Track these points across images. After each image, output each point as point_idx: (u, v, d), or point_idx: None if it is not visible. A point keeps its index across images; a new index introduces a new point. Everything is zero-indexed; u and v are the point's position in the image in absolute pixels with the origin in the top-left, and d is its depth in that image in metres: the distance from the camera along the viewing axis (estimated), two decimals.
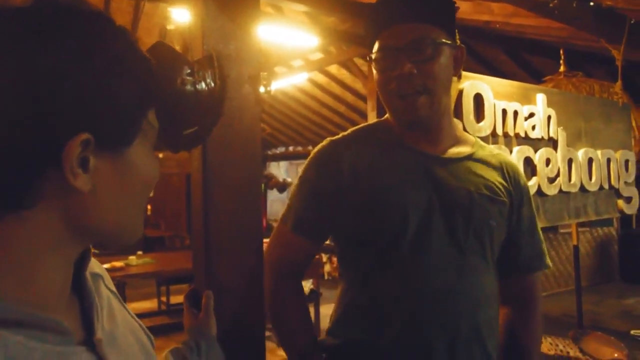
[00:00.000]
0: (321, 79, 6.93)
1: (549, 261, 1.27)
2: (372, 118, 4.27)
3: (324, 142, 1.23)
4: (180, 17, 3.80)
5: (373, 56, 1.15)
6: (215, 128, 1.20)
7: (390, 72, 1.11)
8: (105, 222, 0.58)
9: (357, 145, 1.17)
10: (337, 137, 1.23)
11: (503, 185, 1.19)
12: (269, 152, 10.02)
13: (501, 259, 1.19)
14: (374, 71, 1.16)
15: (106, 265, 4.59)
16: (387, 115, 1.24)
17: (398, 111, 1.14)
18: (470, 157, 1.19)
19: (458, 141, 1.21)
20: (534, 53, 4.61)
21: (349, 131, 1.24)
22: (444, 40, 1.10)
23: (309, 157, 1.23)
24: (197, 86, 1.07)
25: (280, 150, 9.95)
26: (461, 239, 1.11)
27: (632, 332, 2.24)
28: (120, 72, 0.55)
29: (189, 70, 1.06)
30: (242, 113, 1.28)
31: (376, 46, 1.14)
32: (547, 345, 2.65)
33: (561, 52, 3.40)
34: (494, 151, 1.26)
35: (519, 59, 5.10)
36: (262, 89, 5.71)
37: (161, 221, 8.81)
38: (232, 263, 1.26)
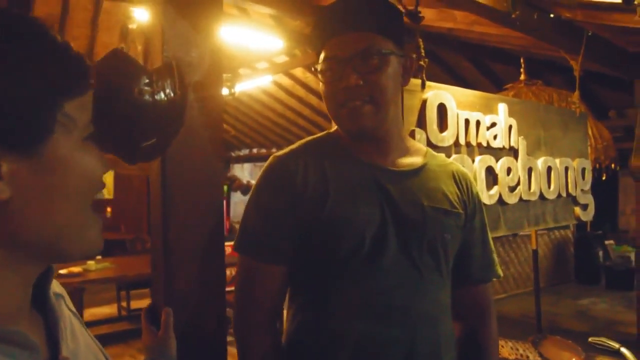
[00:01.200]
0: (286, 81, 6.90)
1: (500, 271, 1.27)
2: None
3: (271, 160, 1.17)
4: (143, 15, 3.71)
5: (319, 67, 1.13)
6: (175, 142, 1.16)
7: (337, 84, 1.09)
8: (41, 229, 0.54)
9: (307, 160, 1.13)
10: (283, 152, 1.17)
11: (457, 196, 1.19)
12: (233, 154, 9.92)
13: (453, 270, 1.18)
14: (320, 82, 1.14)
15: (63, 271, 4.43)
16: (335, 127, 1.22)
17: (344, 121, 1.12)
18: (422, 169, 1.18)
19: (409, 152, 1.20)
20: (496, 60, 4.70)
21: (296, 145, 1.20)
22: (390, 50, 1.09)
23: (259, 178, 1.17)
24: (156, 96, 1.03)
25: (244, 152, 9.86)
26: (415, 255, 1.09)
27: (590, 339, 2.30)
28: (8, 70, 0.51)
29: (147, 80, 1.02)
30: (204, 120, 1.24)
31: (322, 56, 1.12)
32: (508, 349, 2.69)
33: (522, 61, 3.49)
34: (446, 160, 1.26)
35: (482, 66, 5.20)
36: (225, 91, 5.63)
37: (121, 224, 8.59)
38: (193, 267, 1.23)
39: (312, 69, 1.19)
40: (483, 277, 1.24)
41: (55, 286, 0.69)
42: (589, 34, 2.55)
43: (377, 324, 1.05)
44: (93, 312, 5.86)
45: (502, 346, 2.79)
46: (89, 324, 0.73)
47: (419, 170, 1.17)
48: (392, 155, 1.17)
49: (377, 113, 1.10)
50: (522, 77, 3.44)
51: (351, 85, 1.06)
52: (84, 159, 0.57)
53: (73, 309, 0.72)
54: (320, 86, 1.15)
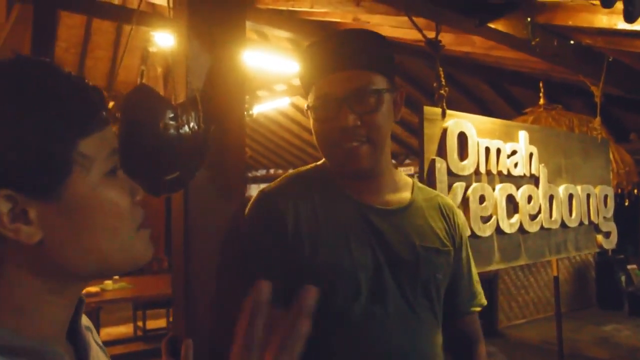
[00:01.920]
0: (303, 103, 6.95)
1: (484, 300, 1.27)
2: None
3: (260, 197, 1.15)
4: (162, 40, 3.78)
5: (311, 104, 1.11)
6: (198, 172, 1.17)
7: (332, 123, 1.06)
8: (82, 260, 0.57)
9: (297, 200, 1.10)
10: (271, 188, 1.15)
11: (445, 231, 1.18)
12: (250, 175, 9.97)
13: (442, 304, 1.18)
14: (310, 119, 1.12)
15: None
16: (321, 161, 1.20)
17: (339, 161, 1.10)
18: (410, 205, 1.16)
19: (397, 187, 1.18)
20: (514, 83, 4.69)
21: (282, 180, 1.18)
22: (384, 87, 1.08)
23: (248, 215, 1.15)
24: (180, 130, 1.04)
25: (262, 172, 9.91)
26: (410, 297, 1.08)
27: None
28: (19, 118, 0.53)
29: (172, 115, 1.03)
30: (227, 148, 1.25)
31: (314, 94, 1.10)
32: None
33: (540, 85, 3.46)
34: (432, 193, 1.25)
35: (500, 89, 5.19)
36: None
37: None
38: (213, 295, 1.22)
39: (305, 107, 1.15)
40: (470, 307, 1.25)
41: (85, 320, 0.71)
42: (610, 59, 2.53)
43: None
44: (109, 332, 5.88)
45: None
46: (105, 344, 0.77)
47: (407, 207, 1.16)
48: (382, 192, 1.15)
49: (374, 153, 1.08)
50: (542, 101, 3.42)
51: (349, 126, 1.04)
52: (106, 194, 0.58)
53: (100, 342, 0.74)
54: (312, 124, 1.13)
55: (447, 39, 3.51)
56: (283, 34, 3.81)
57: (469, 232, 1.76)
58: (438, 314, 1.14)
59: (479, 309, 1.26)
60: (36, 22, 3.12)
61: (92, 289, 4.71)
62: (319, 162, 1.22)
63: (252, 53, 4.45)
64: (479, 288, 1.27)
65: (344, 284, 1.05)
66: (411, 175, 1.38)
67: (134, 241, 0.62)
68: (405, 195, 1.18)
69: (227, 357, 1.23)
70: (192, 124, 1.06)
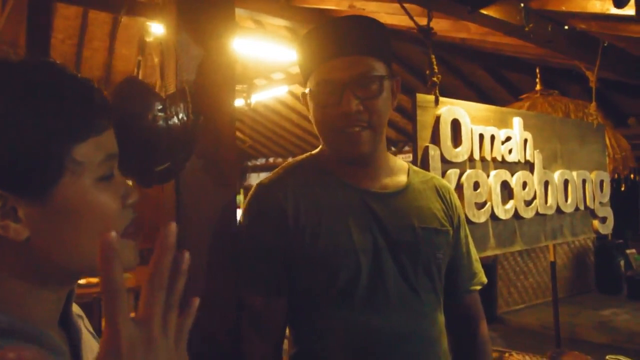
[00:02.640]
0: (301, 91, 6.94)
1: (484, 278, 1.29)
2: None
3: (258, 190, 1.16)
4: (159, 29, 3.77)
5: (312, 89, 1.10)
6: (191, 160, 1.18)
7: (334, 108, 1.06)
8: (65, 260, 0.58)
9: (296, 190, 1.11)
10: (269, 180, 1.16)
11: (444, 212, 1.20)
12: (250, 164, 9.98)
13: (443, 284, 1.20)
14: (311, 104, 1.12)
15: (82, 281, 4.49)
16: (317, 150, 1.21)
17: (342, 147, 1.10)
18: (407, 188, 1.18)
19: (393, 171, 1.20)
20: (511, 69, 4.67)
21: (279, 171, 1.19)
22: (385, 74, 1.09)
23: (247, 207, 1.16)
24: (170, 122, 1.05)
25: (261, 161, 9.91)
26: (412, 278, 1.10)
27: (607, 357, 2.26)
28: (13, 121, 0.53)
29: (160, 106, 1.04)
30: (217, 138, 1.26)
31: (315, 79, 1.10)
32: None
33: (537, 71, 3.45)
34: (427, 175, 1.27)
35: (497, 75, 5.17)
36: (241, 102, 5.67)
37: (140, 234, 8.67)
38: (205, 282, 1.23)
39: (304, 93, 1.15)
40: (471, 286, 1.26)
41: (75, 309, 0.73)
42: (605, 44, 2.52)
43: (382, 351, 1.06)
44: None
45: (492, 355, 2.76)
46: None
47: (405, 190, 1.17)
48: (380, 176, 1.16)
49: (375, 138, 1.09)
50: (538, 87, 3.41)
51: (352, 111, 1.04)
52: (96, 199, 0.59)
53: (91, 329, 0.76)
54: (311, 110, 1.13)
55: (443, 25, 3.51)
56: (279, 21, 3.79)
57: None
58: (439, 294, 1.16)
59: (479, 287, 1.27)
60: (30, 13, 3.10)
61: (94, 279, 4.74)
62: (314, 151, 1.23)
63: (249, 41, 4.43)
64: (478, 267, 1.29)
65: (345, 268, 1.07)
66: (414, 163, 1.38)
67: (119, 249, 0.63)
68: (402, 178, 1.20)
69: (220, 341, 1.25)
70: (181, 115, 1.06)
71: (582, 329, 5.60)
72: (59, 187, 0.56)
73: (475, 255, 1.29)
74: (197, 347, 1.18)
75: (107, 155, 0.60)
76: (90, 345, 0.71)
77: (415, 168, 1.26)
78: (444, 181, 1.29)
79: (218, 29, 1.28)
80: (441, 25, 3.42)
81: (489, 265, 6.12)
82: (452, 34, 3.89)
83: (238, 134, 9.03)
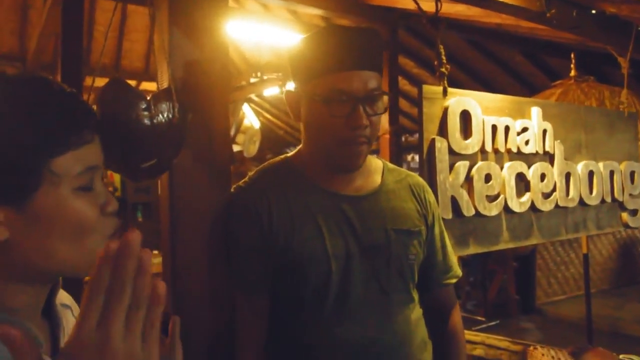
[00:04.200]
0: (289, 87, 6.90)
1: (459, 271, 1.31)
2: (384, 119, 4.23)
3: (236, 192, 1.19)
4: None
5: (320, 94, 1.09)
6: (182, 158, 1.21)
7: (343, 120, 1.07)
8: (42, 263, 0.62)
9: (270, 195, 1.14)
10: (245, 184, 1.20)
11: (417, 211, 1.21)
12: (288, 150, 10.03)
13: (418, 279, 1.21)
14: (311, 107, 1.12)
15: None
16: (292, 152, 1.23)
17: (340, 158, 1.12)
18: (380, 189, 1.19)
19: (368, 172, 1.21)
20: (551, 54, 4.49)
21: (255, 175, 1.21)
22: (384, 91, 1.15)
23: (225, 209, 1.20)
24: (154, 120, 1.08)
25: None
26: (384, 281, 1.12)
27: (621, 356, 2.18)
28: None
29: (144, 105, 1.07)
30: (211, 141, 1.28)
31: (326, 85, 1.08)
32: (549, 358, 2.59)
33: (572, 56, 3.31)
34: (402, 174, 1.26)
35: (537, 61, 4.98)
36: (277, 90, 5.69)
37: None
38: (198, 274, 1.27)
39: (298, 91, 1.17)
40: (445, 280, 1.28)
41: (65, 298, 0.78)
42: (639, 28, 2.39)
43: (352, 354, 1.08)
44: None
45: (543, 354, 2.69)
46: None
47: (378, 192, 1.18)
48: (354, 179, 1.18)
49: (368, 152, 1.14)
50: (573, 73, 3.27)
51: (362, 126, 1.07)
52: (73, 208, 0.62)
53: None
54: (307, 111, 1.14)
55: (475, 11, 3.40)
56: (314, 10, 3.82)
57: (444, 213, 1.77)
58: (413, 292, 1.19)
59: (454, 280, 1.30)
60: (65, 5, 3.19)
61: None
62: (288, 154, 1.24)
63: (284, 31, 4.46)
64: (453, 260, 1.31)
65: (317, 273, 1.09)
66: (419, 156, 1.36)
67: (85, 253, 0.65)
68: (376, 179, 1.21)
69: (214, 333, 1.29)
70: (166, 114, 1.09)
71: (624, 322, 5.40)
72: (37, 195, 0.59)
73: (450, 249, 1.30)
74: (193, 343, 1.22)
75: (86, 168, 0.63)
76: None
77: (390, 166, 1.27)
78: (419, 179, 1.29)
79: (211, 26, 1.30)
80: (473, 12, 3.33)
81: (527, 256, 5.97)
82: (485, 19, 3.77)
83: (274, 120, 9.11)
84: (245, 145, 7.82)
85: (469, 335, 3.06)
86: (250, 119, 7.89)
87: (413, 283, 1.19)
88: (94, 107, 1.06)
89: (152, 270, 0.47)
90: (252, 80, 6.73)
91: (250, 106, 7.77)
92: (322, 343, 1.10)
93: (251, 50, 6.49)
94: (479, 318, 5.66)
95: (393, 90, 3.68)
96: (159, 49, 1.26)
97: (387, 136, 4.33)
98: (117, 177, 7.31)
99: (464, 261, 6.19)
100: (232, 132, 8.19)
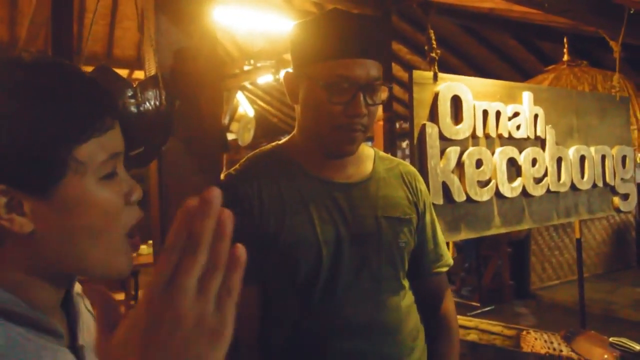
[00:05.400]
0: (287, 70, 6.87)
1: (450, 260, 1.31)
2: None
3: (226, 180, 1.17)
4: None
5: (319, 80, 1.07)
6: (171, 145, 1.21)
7: (343, 107, 1.07)
8: (64, 257, 0.61)
9: (261, 182, 1.13)
10: (236, 172, 1.18)
11: (408, 199, 1.20)
12: (282, 138, 10.01)
13: (409, 267, 1.21)
14: (309, 91, 1.10)
15: None
16: (284, 140, 1.22)
17: (335, 144, 1.11)
18: (372, 177, 1.19)
19: (359, 160, 1.20)
20: (543, 39, 4.47)
21: (246, 162, 1.20)
22: (385, 82, 1.12)
23: None
24: (141, 108, 1.07)
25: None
26: (375, 268, 1.12)
27: (611, 339, 2.21)
28: (20, 120, 0.56)
29: (130, 93, 1.06)
30: (201, 128, 1.28)
31: (327, 70, 1.07)
32: (541, 342, 2.62)
33: (565, 40, 3.30)
34: (393, 162, 1.26)
35: (529, 45, 4.97)
36: (270, 78, 5.66)
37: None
38: None
39: (295, 73, 1.16)
40: (435, 269, 1.28)
41: (78, 288, 0.77)
42: (631, 11, 2.38)
43: (343, 341, 1.08)
44: None
45: (536, 339, 2.72)
46: None
47: (369, 179, 1.18)
48: (345, 167, 1.17)
49: (362, 140, 1.13)
50: (565, 57, 3.27)
51: (360, 114, 1.06)
52: (99, 197, 0.60)
53: (90, 309, 0.80)
54: (304, 95, 1.12)
55: None
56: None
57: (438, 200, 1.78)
58: (403, 280, 1.19)
59: (445, 269, 1.30)
60: None
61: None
62: (280, 141, 1.23)
63: (276, 17, 4.43)
64: (444, 249, 1.31)
65: (307, 260, 1.09)
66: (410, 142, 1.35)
67: (118, 253, 0.63)
68: (367, 167, 1.21)
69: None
70: (152, 102, 1.09)
71: (617, 306, 5.45)
72: (62, 184, 0.58)
73: (441, 237, 1.30)
74: None
75: (110, 155, 0.62)
76: (88, 324, 0.74)
77: (381, 154, 1.27)
78: (410, 167, 1.29)
79: (198, 13, 1.29)
80: None
81: (522, 241, 6.01)
82: (478, 4, 3.76)
83: (268, 108, 9.08)
84: (239, 133, 7.80)
85: (463, 320, 3.09)
86: (244, 107, 7.86)
87: (404, 271, 1.19)
88: None
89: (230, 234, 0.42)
90: (246, 68, 6.72)
91: (244, 94, 7.74)
92: (314, 329, 1.10)
93: (244, 37, 6.43)
94: (474, 304, 5.70)
95: (387, 76, 3.68)
96: (146, 36, 1.25)
97: (381, 123, 4.32)
98: None
99: (458, 247, 6.23)
100: (227, 121, 8.16)
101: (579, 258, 3.31)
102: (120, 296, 4.68)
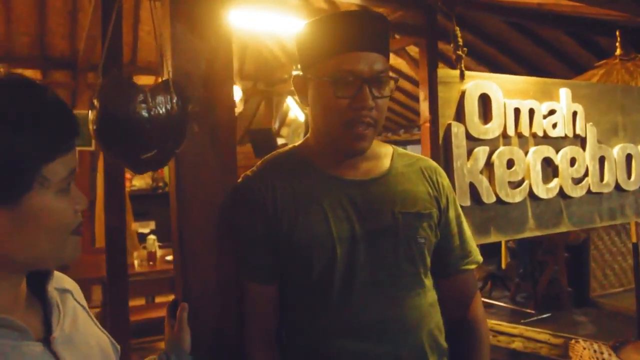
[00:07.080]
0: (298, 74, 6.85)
1: (479, 257, 1.25)
2: (424, 108, 4.16)
3: (242, 181, 1.21)
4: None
5: (325, 77, 1.09)
6: (188, 148, 1.24)
7: (350, 102, 1.07)
8: (22, 257, 0.69)
9: (275, 182, 1.15)
10: (252, 173, 1.20)
11: (428, 194, 1.17)
12: None
13: (434, 264, 1.18)
14: (318, 91, 1.12)
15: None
16: (299, 142, 1.24)
17: (344, 141, 1.11)
18: (389, 173, 1.17)
19: (376, 157, 1.19)
20: (598, 33, 4.26)
21: (261, 164, 1.22)
22: (394, 75, 1.12)
23: (231, 198, 1.22)
24: (152, 112, 1.11)
25: None
26: (392, 265, 1.09)
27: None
28: None
29: (142, 98, 1.10)
30: (215, 133, 1.30)
31: (332, 67, 1.08)
32: (590, 353, 2.50)
33: (617, 33, 3.13)
34: (413, 158, 1.24)
35: (583, 40, 4.74)
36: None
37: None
38: (207, 265, 1.30)
39: (305, 76, 1.17)
40: (464, 266, 1.24)
41: (67, 283, 0.86)
42: None
43: (359, 341, 1.07)
44: None
45: (585, 348, 2.59)
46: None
47: (385, 175, 1.16)
48: (361, 164, 1.16)
49: (373, 135, 1.13)
50: (618, 51, 3.10)
51: (367, 107, 1.07)
52: (56, 208, 0.70)
53: (84, 303, 0.87)
54: (314, 96, 1.14)
55: None
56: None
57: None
58: (424, 277, 1.15)
59: (473, 266, 1.25)
60: (105, 6, 3.30)
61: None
62: (296, 144, 1.25)
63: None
64: (472, 246, 1.26)
65: (322, 258, 1.09)
66: (435, 142, 1.33)
67: (66, 244, 0.73)
68: (384, 163, 1.19)
69: (222, 321, 1.32)
70: (164, 106, 1.13)
71: None
72: (27, 197, 0.66)
73: (468, 234, 1.26)
74: (201, 330, 1.25)
75: (69, 171, 0.71)
76: (76, 315, 0.81)
77: (400, 151, 1.25)
78: (431, 162, 1.26)
79: (214, 19, 1.32)
80: None
81: (579, 246, 5.73)
82: (525, 0, 3.64)
83: None
84: (289, 137, 7.90)
85: (506, 327, 2.99)
86: (295, 111, 7.96)
87: (424, 267, 1.16)
88: (95, 101, 1.11)
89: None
90: (294, 72, 6.80)
91: (294, 99, 7.83)
92: (330, 328, 1.09)
93: (291, 42, 6.52)
94: (529, 311, 5.49)
95: (433, 78, 3.62)
96: (164, 41, 1.29)
97: (428, 125, 4.26)
98: (166, 171, 7.55)
99: (512, 253, 6.02)
100: (277, 125, 8.28)
101: (635, 264, 3.13)
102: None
